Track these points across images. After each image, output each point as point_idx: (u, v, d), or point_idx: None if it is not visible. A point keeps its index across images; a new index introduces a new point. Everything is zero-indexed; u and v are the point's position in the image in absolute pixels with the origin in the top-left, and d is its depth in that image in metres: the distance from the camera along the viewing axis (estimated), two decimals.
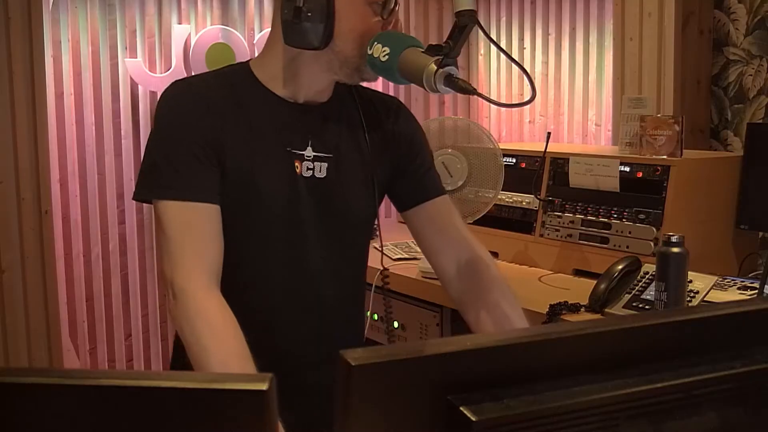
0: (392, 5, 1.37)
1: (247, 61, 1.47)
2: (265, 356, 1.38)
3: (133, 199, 1.38)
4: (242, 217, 1.37)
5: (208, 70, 1.49)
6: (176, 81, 1.41)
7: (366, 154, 1.49)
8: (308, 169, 1.42)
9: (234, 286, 1.37)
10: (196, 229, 1.31)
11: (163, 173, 1.32)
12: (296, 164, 1.41)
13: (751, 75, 2.64)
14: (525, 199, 2.60)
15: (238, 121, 1.37)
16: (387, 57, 1.35)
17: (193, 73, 3.20)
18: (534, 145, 2.96)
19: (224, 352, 1.22)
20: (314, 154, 1.43)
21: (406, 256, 2.61)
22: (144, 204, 3.19)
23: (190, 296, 1.25)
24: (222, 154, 1.34)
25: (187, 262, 1.28)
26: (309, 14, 1.32)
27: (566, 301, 2.03)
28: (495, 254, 2.66)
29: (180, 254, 1.28)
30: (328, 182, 1.43)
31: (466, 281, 1.50)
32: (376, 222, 1.56)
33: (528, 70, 1.57)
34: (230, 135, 1.35)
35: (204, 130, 1.34)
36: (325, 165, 1.43)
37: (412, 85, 1.41)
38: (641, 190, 2.29)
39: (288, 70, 1.41)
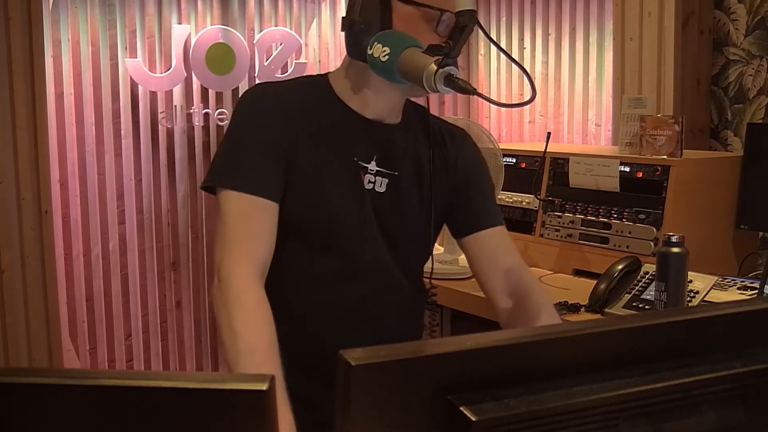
0: (450, 22, 1.37)
1: (327, 73, 1.52)
2: (310, 357, 1.41)
3: (200, 188, 1.43)
4: (306, 219, 1.41)
5: (286, 78, 1.58)
6: (259, 83, 1.50)
7: (427, 179, 1.51)
8: (369, 182, 1.45)
9: (289, 285, 1.42)
10: (253, 221, 1.35)
11: (230, 165, 1.38)
12: (361, 176, 1.45)
13: (751, 75, 2.63)
14: (525, 199, 2.60)
15: (310, 128, 1.41)
16: (387, 57, 1.35)
17: (192, 73, 3.21)
18: (534, 145, 2.96)
19: (253, 339, 1.25)
20: (377, 169, 1.46)
21: None
22: (144, 203, 3.21)
23: (233, 282, 1.29)
24: (292, 157, 1.39)
25: (238, 251, 1.32)
26: (363, 26, 1.37)
27: (566, 301, 2.03)
28: None
29: (232, 242, 1.32)
30: (386, 198, 1.47)
31: (514, 309, 1.50)
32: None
33: (528, 70, 1.58)
34: (302, 140, 1.40)
35: (278, 133, 1.39)
36: (386, 181, 1.47)
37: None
38: (641, 190, 2.29)
39: (357, 83, 1.45)
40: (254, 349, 1.23)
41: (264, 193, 1.36)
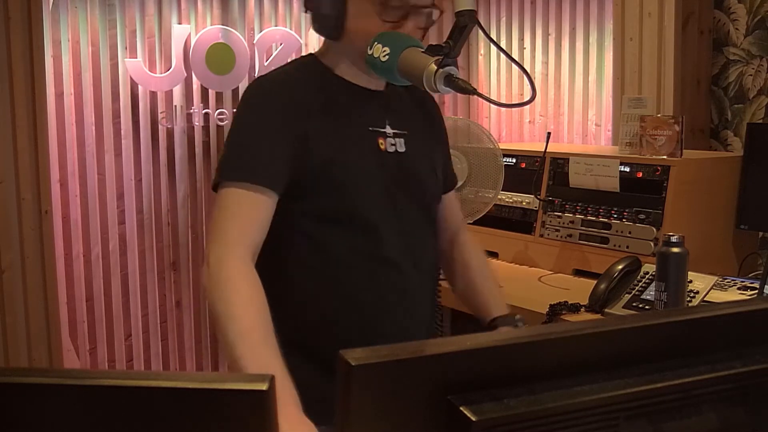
0: (404, 11, 1.40)
1: (309, 54, 1.55)
2: (348, 329, 1.44)
3: (212, 189, 1.43)
4: (334, 197, 1.42)
5: (282, 65, 1.55)
6: (260, 77, 1.50)
7: (427, 134, 1.58)
8: (391, 144, 1.49)
9: (320, 264, 1.44)
10: (245, 207, 1.35)
11: (232, 160, 1.39)
12: (380, 141, 1.48)
13: (751, 75, 2.63)
14: (525, 199, 2.60)
15: (321, 109, 1.43)
16: (387, 57, 1.35)
17: (192, 73, 3.20)
18: (534, 145, 2.96)
19: (250, 320, 1.25)
20: (393, 131, 1.50)
21: None
22: (144, 203, 3.21)
23: (224, 264, 1.29)
24: (304, 144, 1.39)
25: (227, 235, 1.32)
26: (315, 5, 1.41)
27: (566, 301, 2.03)
28: (495, 254, 2.66)
29: (222, 228, 1.33)
30: (409, 156, 1.51)
31: (449, 251, 1.70)
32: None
33: (528, 70, 1.60)
34: (316, 123, 1.41)
35: (285, 123, 1.39)
36: (402, 140, 1.51)
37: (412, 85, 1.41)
38: (641, 190, 2.29)
39: (338, 56, 1.48)
40: (251, 330, 1.24)
41: (259, 180, 1.36)
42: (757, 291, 1.95)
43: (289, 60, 1.67)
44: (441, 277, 1.68)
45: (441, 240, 1.67)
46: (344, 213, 1.43)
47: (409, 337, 1.50)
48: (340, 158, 1.42)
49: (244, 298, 1.27)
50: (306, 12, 1.45)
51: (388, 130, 1.49)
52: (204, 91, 3.27)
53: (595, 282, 2.06)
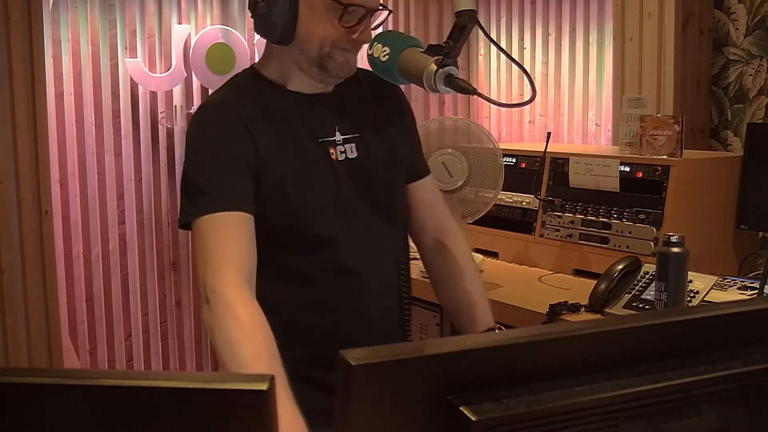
0: (360, 15, 1.38)
1: (251, 65, 1.51)
2: (317, 341, 1.44)
3: (179, 227, 1.41)
4: (288, 216, 1.41)
5: (221, 85, 1.52)
6: (201, 105, 1.48)
7: (388, 130, 1.54)
8: (341, 152, 1.46)
9: (285, 279, 1.43)
10: (228, 234, 1.33)
11: (198, 193, 1.36)
12: (331, 151, 1.45)
13: (751, 75, 2.63)
14: (525, 199, 2.60)
15: (266, 127, 1.41)
16: (387, 57, 1.35)
17: (192, 73, 3.20)
18: (534, 145, 2.96)
19: (253, 349, 1.23)
20: (343, 137, 1.47)
21: None
22: (144, 203, 3.21)
23: (220, 295, 1.27)
24: (257, 164, 1.38)
25: (217, 264, 1.30)
26: (264, 10, 1.38)
27: (566, 301, 2.03)
28: (495, 254, 2.66)
29: (211, 259, 1.31)
30: (361, 161, 1.48)
31: (436, 249, 1.61)
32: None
33: (528, 70, 1.60)
34: (262, 142, 1.39)
35: (237, 146, 1.37)
36: (353, 145, 1.48)
37: (412, 85, 1.41)
38: (641, 190, 2.29)
39: (284, 64, 1.45)
40: (257, 358, 1.22)
41: (234, 207, 1.34)
42: (757, 291, 1.95)
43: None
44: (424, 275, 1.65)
45: (423, 238, 1.62)
46: (301, 230, 1.42)
47: (385, 339, 1.48)
48: (292, 176, 1.40)
49: (243, 325, 1.25)
50: (252, 17, 1.42)
51: (338, 137, 1.46)
52: (204, 91, 3.27)
53: (595, 282, 2.06)
